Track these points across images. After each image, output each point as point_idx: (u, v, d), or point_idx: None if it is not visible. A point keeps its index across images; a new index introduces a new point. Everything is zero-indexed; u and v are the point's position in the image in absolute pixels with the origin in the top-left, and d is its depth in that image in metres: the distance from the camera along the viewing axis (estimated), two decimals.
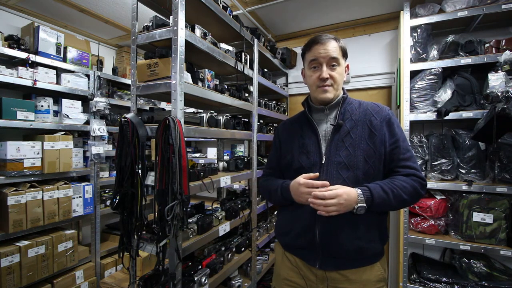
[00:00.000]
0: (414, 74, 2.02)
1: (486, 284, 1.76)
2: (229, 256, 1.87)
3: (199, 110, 2.19)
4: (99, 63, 2.65)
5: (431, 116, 1.94)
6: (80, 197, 2.30)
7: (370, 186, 0.96)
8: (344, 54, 1.09)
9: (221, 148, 2.64)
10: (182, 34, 1.32)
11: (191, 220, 1.61)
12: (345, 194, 0.92)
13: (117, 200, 1.35)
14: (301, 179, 1.00)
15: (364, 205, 0.93)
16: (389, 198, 0.94)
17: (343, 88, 1.15)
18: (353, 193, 0.93)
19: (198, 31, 1.51)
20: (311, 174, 1.01)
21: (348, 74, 1.16)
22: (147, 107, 2.95)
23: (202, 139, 3.44)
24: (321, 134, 1.09)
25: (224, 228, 1.75)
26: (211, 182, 1.59)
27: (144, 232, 1.41)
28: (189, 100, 1.72)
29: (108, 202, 2.61)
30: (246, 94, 2.14)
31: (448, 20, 1.91)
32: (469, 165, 1.89)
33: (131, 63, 1.51)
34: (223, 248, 1.93)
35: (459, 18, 1.87)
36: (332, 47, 1.04)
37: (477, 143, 1.86)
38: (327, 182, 0.96)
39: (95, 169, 2.47)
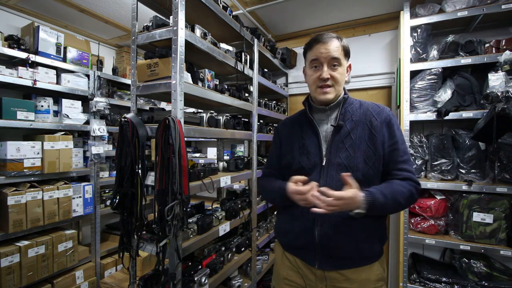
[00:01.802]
0: (414, 74, 2.02)
1: (486, 284, 1.77)
2: (229, 256, 1.87)
3: (199, 110, 2.19)
4: (99, 63, 2.65)
5: (431, 116, 1.94)
6: (80, 197, 2.30)
7: (373, 192, 0.93)
8: (346, 54, 1.08)
9: (221, 148, 2.64)
10: (182, 34, 1.32)
11: (191, 220, 1.61)
12: (350, 199, 0.90)
13: (117, 200, 1.35)
14: (291, 186, 0.99)
15: (363, 211, 0.92)
16: (388, 203, 0.93)
17: (344, 88, 1.14)
18: (358, 199, 0.91)
19: (198, 31, 1.51)
20: (300, 178, 1.00)
21: (348, 74, 1.15)
22: (147, 107, 2.95)
23: (202, 139, 3.44)
24: (321, 135, 1.09)
25: (224, 228, 1.75)
26: (211, 182, 1.59)
27: (144, 232, 1.41)
28: (189, 100, 1.72)
29: (108, 202, 2.61)
30: (246, 94, 2.14)
31: (448, 20, 1.91)
32: (469, 165, 1.89)
33: (131, 63, 1.51)
34: (223, 248, 1.93)
35: (459, 18, 1.87)
36: (334, 46, 1.03)
37: (477, 143, 1.86)
38: (314, 183, 0.94)
39: (95, 169, 2.47)
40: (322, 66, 1.05)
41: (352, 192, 0.91)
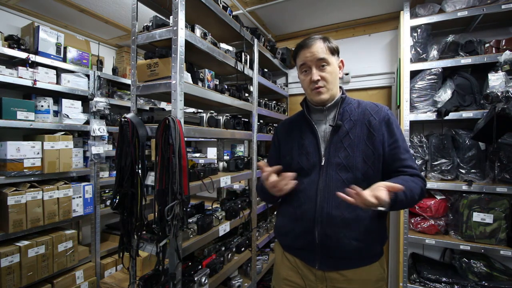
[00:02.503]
0: (414, 74, 2.02)
1: (486, 284, 1.77)
2: (229, 256, 1.87)
3: (199, 110, 2.19)
4: (99, 63, 2.65)
5: (431, 116, 1.94)
6: (80, 197, 2.30)
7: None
8: (333, 52, 1.06)
9: (221, 148, 2.64)
10: (182, 34, 1.32)
11: (191, 220, 1.61)
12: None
13: (117, 200, 1.35)
14: (269, 179, 1.02)
15: (384, 208, 0.87)
16: (407, 199, 0.92)
17: (341, 88, 1.14)
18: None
19: (198, 31, 1.51)
20: (273, 168, 1.03)
21: (345, 73, 1.14)
22: (147, 107, 2.95)
23: (202, 139, 3.44)
24: (320, 135, 1.09)
25: (224, 228, 1.75)
26: (211, 182, 1.59)
27: (144, 232, 1.41)
28: (189, 100, 1.72)
29: (108, 202, 2.61)
30: (246, 94, 2.14)
31: (448, 20, 1.91)
32: (469, 165, 1.89)
33: (131, 63, 1.51)
34: (223, 248, 1.93)
35: (459, 18, 1.87)
36: (318, 48, 1.03)
37: (477, 143, 1.86)
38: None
39: (95, 169, 2.47)
40: (310, 69, 1.05)
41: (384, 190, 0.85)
